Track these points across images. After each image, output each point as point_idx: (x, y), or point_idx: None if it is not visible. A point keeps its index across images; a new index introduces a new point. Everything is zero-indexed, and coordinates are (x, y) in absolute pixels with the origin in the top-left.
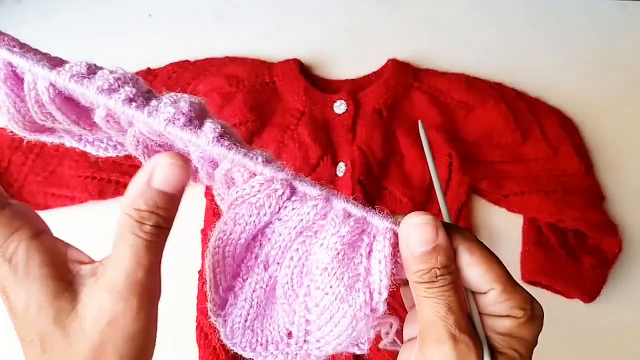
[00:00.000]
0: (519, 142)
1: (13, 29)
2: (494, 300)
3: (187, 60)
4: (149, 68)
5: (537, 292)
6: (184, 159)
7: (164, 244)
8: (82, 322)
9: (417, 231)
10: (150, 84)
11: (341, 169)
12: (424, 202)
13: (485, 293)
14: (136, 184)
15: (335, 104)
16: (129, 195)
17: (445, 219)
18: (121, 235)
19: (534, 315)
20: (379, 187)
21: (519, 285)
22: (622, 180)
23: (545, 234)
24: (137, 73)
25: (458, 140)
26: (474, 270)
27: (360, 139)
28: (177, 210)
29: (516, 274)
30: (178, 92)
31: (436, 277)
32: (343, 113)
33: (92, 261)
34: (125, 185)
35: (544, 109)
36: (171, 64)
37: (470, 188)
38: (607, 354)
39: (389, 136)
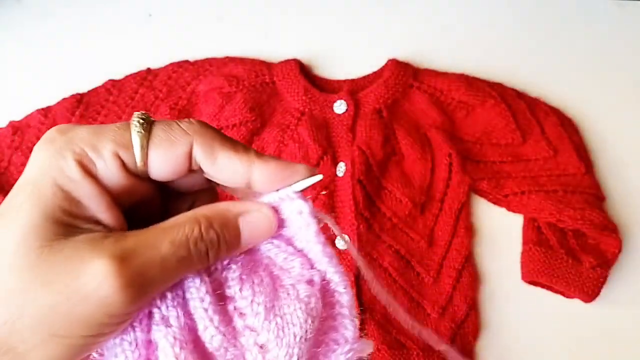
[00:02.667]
0: (518, 142)
1: (13, 29)
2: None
3: (187, 60)
4: (149, 68)
5: (537, 292)
6: (276, 222)
7: (183, 275)
8: (52, 268)
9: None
10: (150, 84)
11: (341, 168)
12: (423, 201)
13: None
14: (224, 206)
15: (335, 104)
16: (211, 207)
17: None
18: (170, 228)
19: None
20: (379, 186)
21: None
22: (622, 180)
23: (545, 233)
24: (137, 73)
25: (458, 140)
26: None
27: (360, 139)
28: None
29: (516, 274)
30: (178, 92)
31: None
32: (343, 113)
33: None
34: None
35: (543, 108)
36: (171, 64)
37: (470, 188)
38: (607, 354)
39: (389, 136)
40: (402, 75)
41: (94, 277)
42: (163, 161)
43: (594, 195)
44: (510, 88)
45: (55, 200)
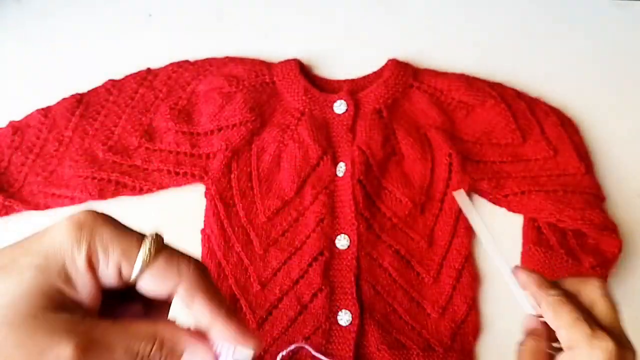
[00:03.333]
0: (518, 142)
1: (13, 29)
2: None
3: (187, 60)
4: (149, 68)
5: None
6: None
7: None
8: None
9: None
10: (150, 84)
11: (341, 168)
12: (423, 201)
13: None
14: (180, 338)
15: (335, 104)
16: (175, 334)
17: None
18: (129, 336)
19: None
20: (379, 186)
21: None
22: (622, 180)
23: (545, 234)
24: (137, 73)
25: (458, 140)
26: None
27: (360, 139)
28: None
29: None
30: (178, 92)
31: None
32: (343, 113)
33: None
34: (125, 185)
35: (543, 108)
36: (171, 64)
37: (470, 188)
38: None
39: (389, 136)
40: (402, 75)
41: (59, 357)
42: (150, 286)
43: (594, 195)
44: (510, 88)
45: (57, 280)
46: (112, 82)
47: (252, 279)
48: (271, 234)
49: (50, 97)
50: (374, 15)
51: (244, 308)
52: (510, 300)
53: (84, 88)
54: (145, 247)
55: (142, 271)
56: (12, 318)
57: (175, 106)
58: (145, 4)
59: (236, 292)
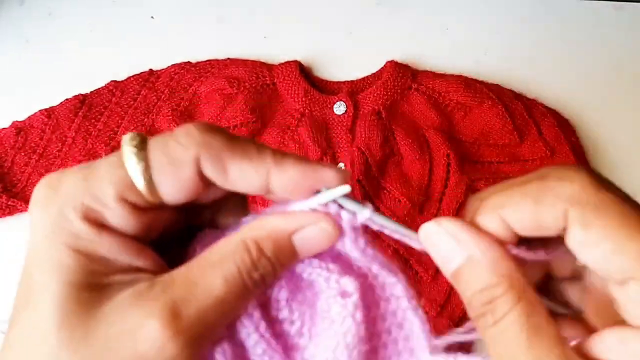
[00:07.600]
0: (516, 143)
1: (16, 31)
2: (636, 297)
3: (188, 62)
4: (151, 69)
5: None
6: (338, 232)
7: (243, 308)
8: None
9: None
10: (152, 86)
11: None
12: (422, 201)
13: (621, 285)
14: (275, 224)
15: (335, 105)
16: (259, 227)
17: None
18: (219, 262)
19: None
20: (378, 186)
21: None
22: (619, 180)
23: None
24: (139, 74)
25: (456, 141)
26: (593, 251)
27: (359, 140)
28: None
29: None
30: (180, 93)
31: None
32: (342, 114)
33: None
34: None
35: (540, 109)
36: (173, 66)
37: (468, 188)
38: None
39: (388, 137)
40: (400, 77)
41: (152, 342)
42: (173, 187)
43: None
44: (508, 89)
45: (80, 266)
46: (115, 83)
47: None
48: None
49: (54, 97)
50: (373, 17)
51: None
52: None
53: (87, 89)
54: (128, 152)
55: (148, 180)
56: (72, 340)
57: (177, 107)
58: (148, 6)
59: None
